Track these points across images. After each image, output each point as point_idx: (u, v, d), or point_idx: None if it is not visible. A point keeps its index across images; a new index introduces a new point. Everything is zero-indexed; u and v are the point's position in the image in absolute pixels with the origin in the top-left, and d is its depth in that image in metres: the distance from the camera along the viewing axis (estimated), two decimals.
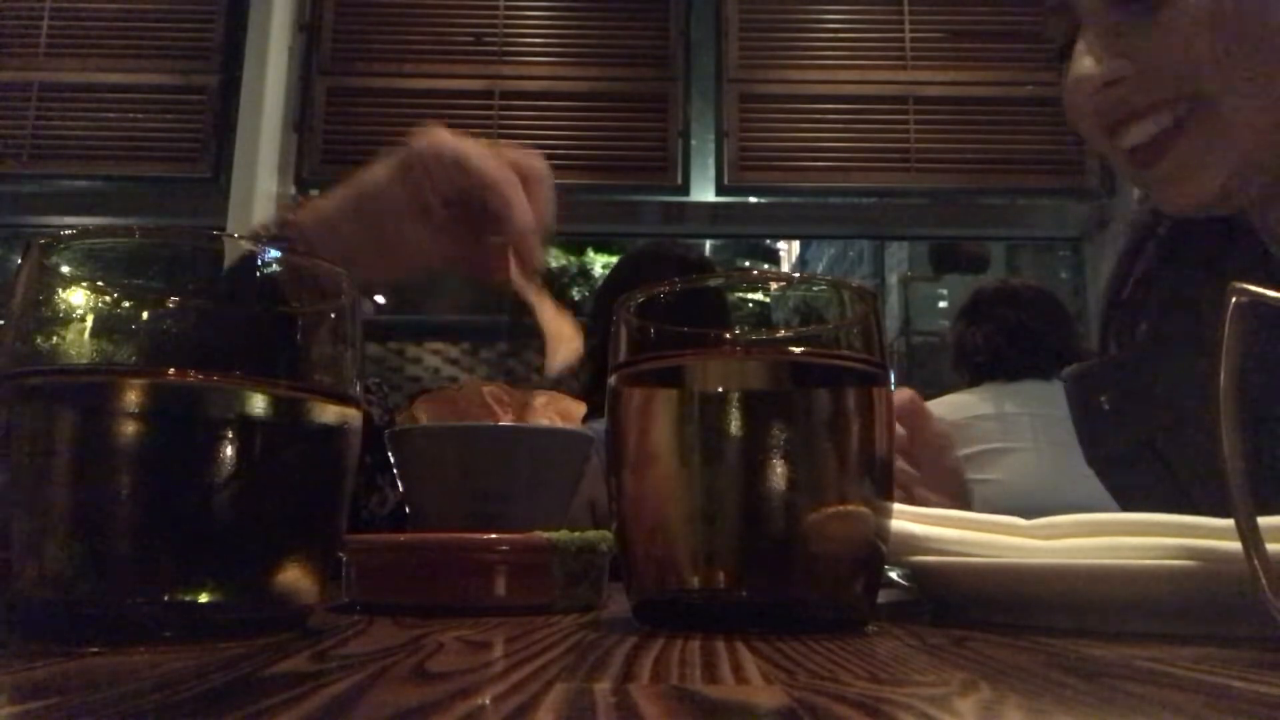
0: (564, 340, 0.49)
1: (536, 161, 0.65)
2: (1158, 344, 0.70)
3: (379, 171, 0.65)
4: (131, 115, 2.64)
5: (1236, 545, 0.28)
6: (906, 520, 0.42)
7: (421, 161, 0.63)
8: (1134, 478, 0.71)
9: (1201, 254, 0.67)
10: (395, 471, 0.56)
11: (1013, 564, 0.40)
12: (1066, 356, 1.98)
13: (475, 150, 0.62)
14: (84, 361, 0.33)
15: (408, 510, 0.57)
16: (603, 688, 0.23)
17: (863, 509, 0.37)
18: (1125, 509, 0.71)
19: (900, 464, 0.68)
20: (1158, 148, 0.60)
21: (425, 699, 0.21)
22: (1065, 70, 0.65)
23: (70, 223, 2.56)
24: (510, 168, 0.62)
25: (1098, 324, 0.78)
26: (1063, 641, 0.33)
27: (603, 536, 0.45)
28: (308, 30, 2.71)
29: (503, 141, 0.69)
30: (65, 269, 0.34)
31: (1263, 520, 0.27)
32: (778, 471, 0.35)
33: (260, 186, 2.55)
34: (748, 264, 4.54)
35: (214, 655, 0.27)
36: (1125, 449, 0.70)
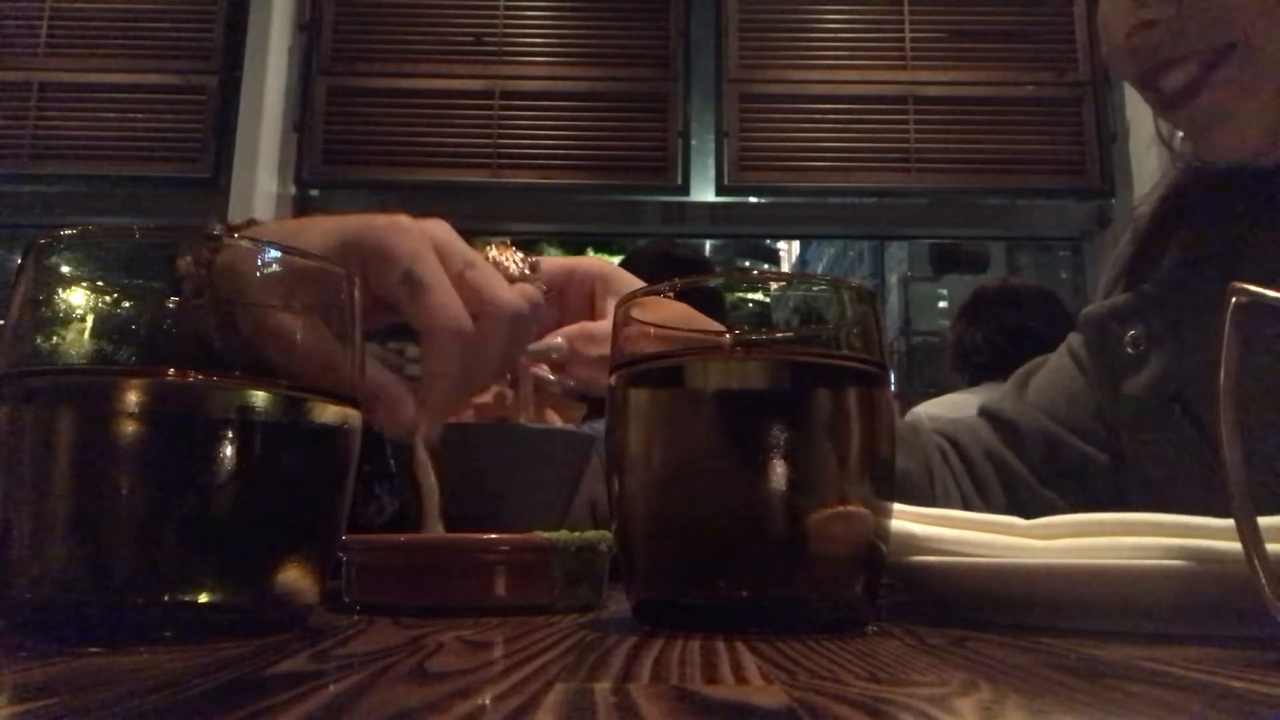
0: (431, 521, 0.47)
1: (508, 297, 0.48)
2: (1187, 280, 0.64)
3: (317, 233, 0.47)
4: (131, 115, 2.64)
5: (1236, 545, 0.28)
6: (906, 520, 0.42)
7: (362, 252, 0.45)
8: (1159, 437, 0.65)
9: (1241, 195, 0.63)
10: (394, 472, 0.56)
11: (1012, 564, 0.40)
12: None
13: (435, 274, 0.45)
14: (84, 361, 0.33)
15: (407, 510, 0.57)
16: (603, 688, 0.23)
17: (863, 509, 0.37)
18: (1149, 475, 0.67)
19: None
20: (1192, 89, 0.58)
21: (425, 699, 0.21)
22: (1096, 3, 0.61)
23: (70, 223, 2.56)
24: (479, 305, 0.47)
25: (1121, 258, 0.72)
26: (1063, 641, 0.33)
27: (603, 536, 0.45)
28: (308, 30, 2.72)
29: (498, 245, 0.54)
30: (65, 269, 0.34)
31: (1263, 520, 0.27)
32: (778, 471, 0.35)
33: (260, 186, 2.55)
34: (748, 264, 4.54)
35: (214, 655, 0.27)
36: (1152, 402, 0.65)
